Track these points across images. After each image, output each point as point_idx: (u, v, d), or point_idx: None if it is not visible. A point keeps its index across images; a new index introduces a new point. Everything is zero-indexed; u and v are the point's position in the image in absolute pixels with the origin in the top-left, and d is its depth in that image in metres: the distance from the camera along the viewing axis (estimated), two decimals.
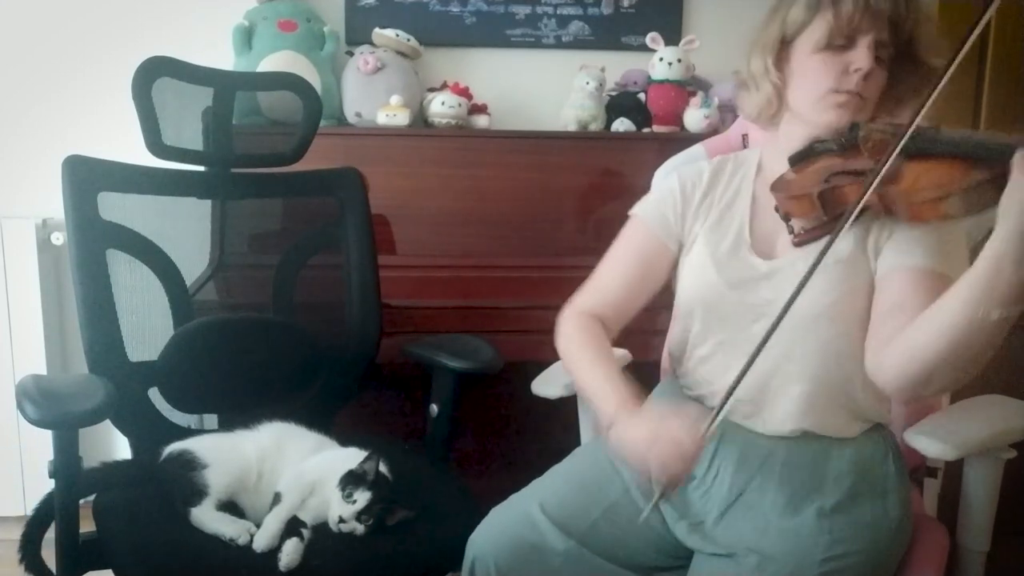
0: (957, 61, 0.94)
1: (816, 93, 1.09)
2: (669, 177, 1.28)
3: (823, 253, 0.99)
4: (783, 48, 1.13)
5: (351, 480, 1.24)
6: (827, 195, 1.04)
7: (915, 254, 1.04)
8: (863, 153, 1.04)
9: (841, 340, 1.07)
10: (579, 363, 1.19)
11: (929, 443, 1.16)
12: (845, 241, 1.07)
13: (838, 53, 1.07)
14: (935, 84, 0.96)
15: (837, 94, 1.07)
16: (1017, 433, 1.20)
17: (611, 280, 1.25)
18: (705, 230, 1.19)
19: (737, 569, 1.06)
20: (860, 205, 0.99)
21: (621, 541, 1.15)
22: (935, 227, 1.04)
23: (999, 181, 0.86)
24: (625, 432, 1.05)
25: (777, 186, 1.12)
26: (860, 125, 1.07)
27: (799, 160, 1.11)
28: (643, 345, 1.56)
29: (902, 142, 0.96)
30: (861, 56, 1.05)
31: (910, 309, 0.99)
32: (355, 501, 1.22)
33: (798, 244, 1.10)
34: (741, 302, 1.12)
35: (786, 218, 1.10)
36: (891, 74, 1.10)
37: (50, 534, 1.23)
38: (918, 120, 0.97)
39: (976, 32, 0.93)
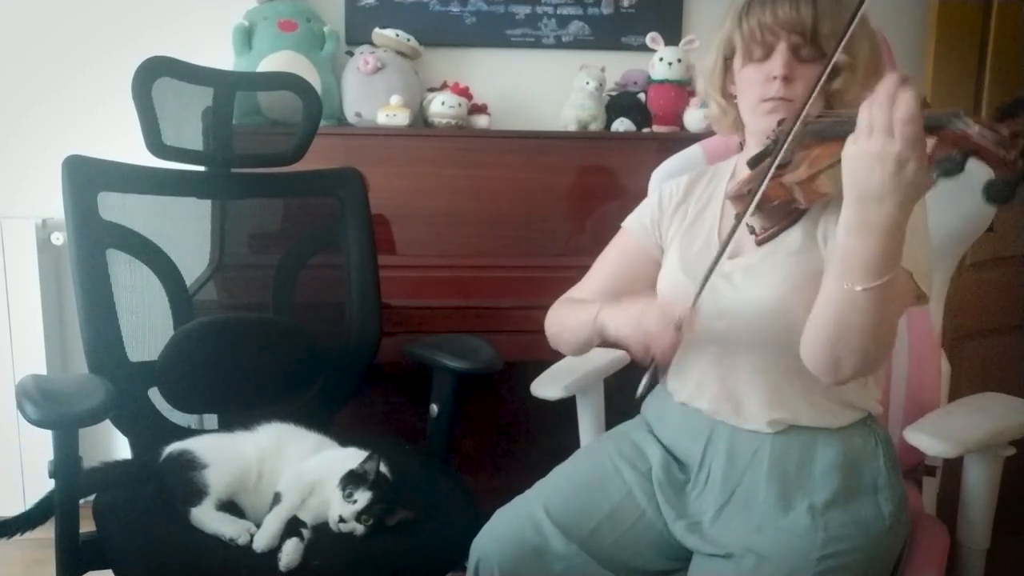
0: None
1: (751, 103, 1.16)
2: (653, 192, 1.34)
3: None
4: (727, 66, 1.20)
5: (352, 480, 1.24)
6: (757, 192, 1.07)
7: None
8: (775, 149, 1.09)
9: (795, 330, 1.07)
10: (563, 319, 1.25)
11: (929, 441, 1.16)
12: (795, 233, 1.11)
13: (760, 63, 1.13)
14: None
15: (765, 102, 1.13)
16: (1016, 431, 1.21)
17: (598, 281, 1.30)
18: (679, 235, 1.24)
19: (735, 570, 1.06)
20: (759, 190, 1.04)
21: (623, 544, 1.16)
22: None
23: None
24: (613, 318, 1.11)
25: (729, 193, 1.18)
26: (783, 120, 1.11)
27: (754, 164, 1.15)
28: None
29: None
30: (775, 64, 1.10)
31: None
32: (355, 501, 1.22)
33: (760, 243, 1.13)
34: (708, 300, 1.14)
35: (738, 218, 1.12)
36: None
37: (50, 534, 1.23)
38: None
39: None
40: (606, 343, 1.14)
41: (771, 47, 1.11)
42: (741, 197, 1.10)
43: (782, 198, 1.06)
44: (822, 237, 1.10)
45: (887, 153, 0.83)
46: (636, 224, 1.30)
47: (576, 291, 1.31)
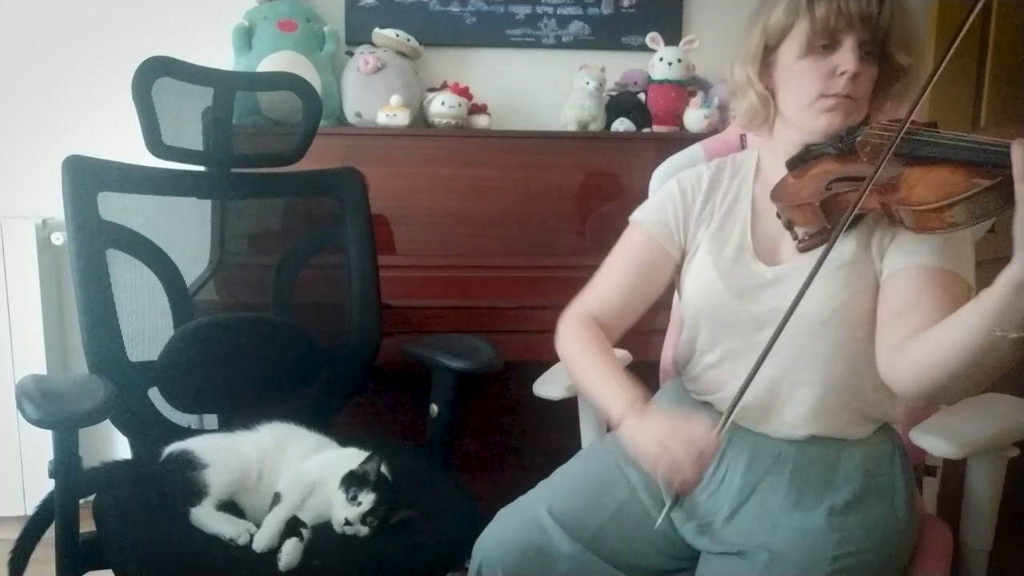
0: (945, 61, 0.94)
1: (805, 99, 1.08)
2: (668, 183, 1.26)
3: (820, 262, 0.99)
4: (768, 55, 1.12)
5: (354, 482, 1.24)
6: (829, 203, 1.03)
7: (921, 253, 1.03)
8: (861, 158, 1.04)
9: (849, 343, 1.06)
10: (582, 365, 1.18)
11: (935, 442, 1.16)
12: (848, 244, 1.07)
13: (822, 56, 1.06)
14: (924, 85, 0.96)
15: (825, 99, 1.07)
16: (1020, 431, 1.20)
17: (611, 286, 1.23)
18: (707, 237, 1.19)
19: (747, 567, 1.06)
20: (854, 211, 0.98)
21: (628, 544, 1.15)
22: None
23: (1002, 187, 0.85)
24: (637, 434, 1.03)
25: (777, 194, 1.11)
26: (858, 129, 1.05)
27: (796, 165, 1.10)
28: (643, 345, 1.55)
29: (893, 145, 0.95)
30: (846, 58, 1.04)
31: (922, 308, 0.99)
32: (360, 503, 1.22)
33: (803, 250, 1.09)
34: (747, 310, 1.11)
35: (788, 225, 1.09)
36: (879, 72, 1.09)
37: (50, 534, 1.23)
38: (907, 124, 0.96)
39: (963, 31, 0.94)
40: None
41: (838, 40, 1.05)
42: (804, 206, 1.04)
43: (866, 210, 1.00)
44: (877, 250, 1.07)
45: None
46: (656, 222, 1.22)
47: (589, 297, 1.24)
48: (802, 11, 1.06)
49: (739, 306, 1.12)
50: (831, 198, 1.02)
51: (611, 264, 1.24)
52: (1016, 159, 0.81)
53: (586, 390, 1.18)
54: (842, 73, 1.05)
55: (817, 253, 1.05)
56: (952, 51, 0.94)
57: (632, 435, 1.04)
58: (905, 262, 1.04)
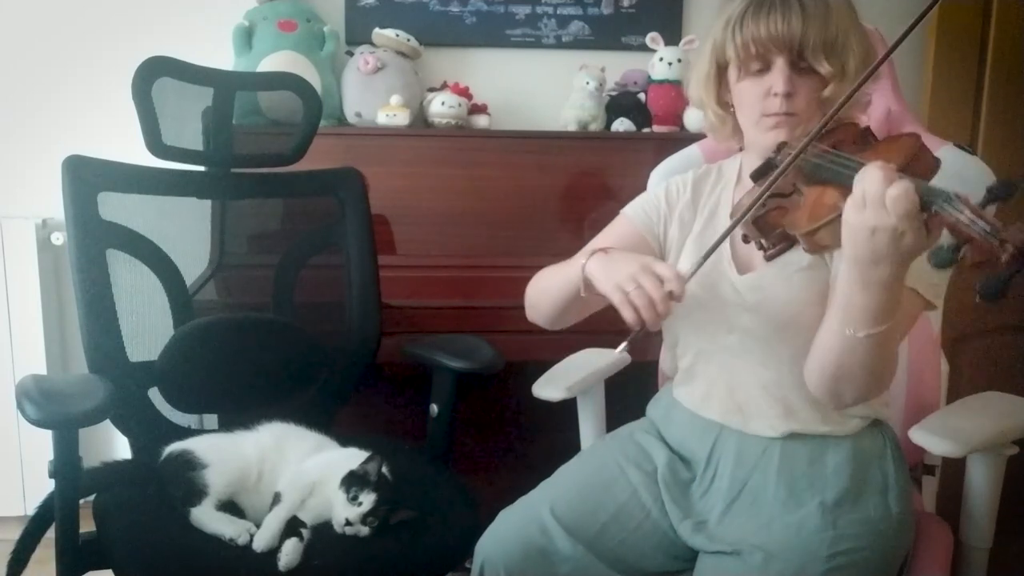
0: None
1: (752, 118, 1.12)
2: (658, 186, 1.30)
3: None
4: (721, 74, 1.15)
5: (354, 482, 1.24)
6: (760, 221, 1.04)
7: None
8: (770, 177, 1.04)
9: (810, 344, 1.07)
10: (546, 278, 1.20)
11: (935, 440, 1.16)
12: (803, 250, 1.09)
13: (758, 77, 1.09)
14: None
15: (767, 117, 1.10)
16: (1020, 430, 1.21)
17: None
18: (690, 240, 1.21)
19: (743, 567, 1.06)
20: (729, 231, 1.01)
21: (628, 544, 1.16)
22: None
23: None
24: (606, 267, 1.04)
25: (734, 208, 1.13)
26: (784, 145, 1.06)
27: (757, 177, 1.11)
28: (642, 345, 1.55)
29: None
30: (777, 79, 1.07)
31: None
32: (361, 503, 1.22)
33: (769, 259, 1.09)
34: (719, 312, 1.15)
35: (744, 239, 1.10)
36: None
37: (50, 534, 1.23)
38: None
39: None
40: (590, 293, 1.08)
41: (768, 61, 1.08)
42: (745, 223, 1.05)
43: (784, 228, 1.02)
44: (829, 255, 1.09)
45: (882, 227, 0.82)
46: (639, 213, 1.26)
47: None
48: (728, 39, 1.11)
49: (712, 309, 1.15)
50: (764, 215, 1.03)
51: (592, 243, 1.26)
52: (855, 188, 0.84)
53: (556, 291, 1.17)
54: (775, 94, 1.07)
55: (781, 260, 1.06)
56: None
57: (600, 269, 1.04)
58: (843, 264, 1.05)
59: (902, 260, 0.85)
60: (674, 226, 1.24)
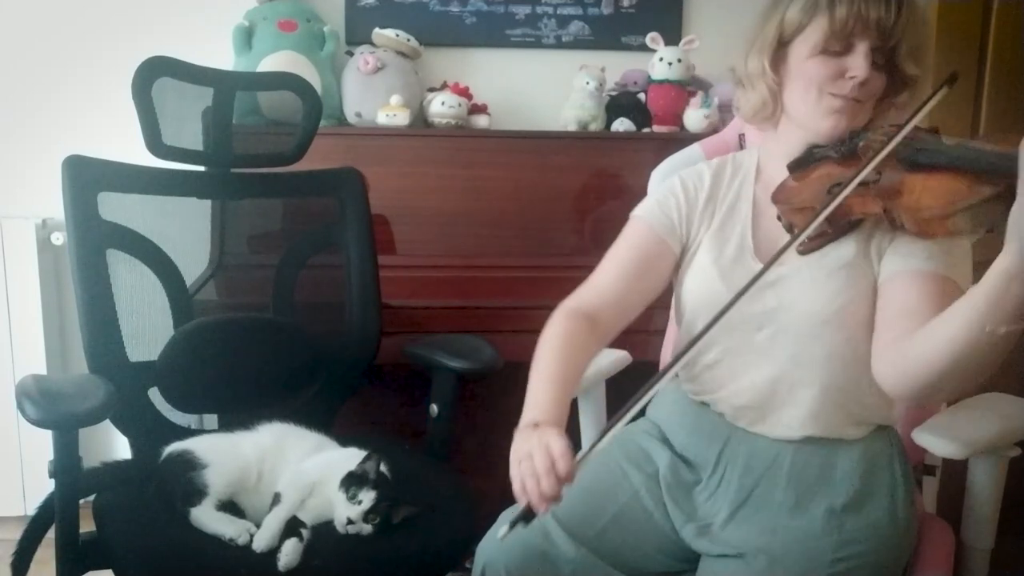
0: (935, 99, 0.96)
1: (812, 97, 1.08)
2: (669, 180, 1.25)
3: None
4: (780, 49, 1.11)
5: (354, 481, 1.24)
6: (825, 209, 1.02)
7: (919, 257, 1.02)
8: (863, 162, 1.03)
9: (847, 345, 1.06)
10: (539, 356, 1.14)
11: (938, 442, 1.16)
12: (848, 246, 1.07)
13: (834, 57, 1.05)
14: (932, 93, 0.97)
15: (833, 98, 1.06)
16: (1021, 431, 1.21)
17: (610, 279, 1.20)
18: (708, 236, 1.18)
19: (747, 570, 1.06)
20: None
21: (630, 546, 1.15)
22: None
23: (1005, 196, 0.84)
24: (516, 442, 1.00)
25: (779, 196, 1.11)
26: (861, 134, 1.05)
27: (798, 167, 1.10)
28: (643, 345, 1.56)
29: (887, 149, 0.96)
30: (858, 64, 1.03)
31: (916, 313, 0.98)
32: (360, 502, 1.22)
33: (803, 252, 1.08)
34: (746, 309, 1.09)
35: (789, 228, 1.08)
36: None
37: (50, 534, 1.23)
38: (906, 130, 0.96)
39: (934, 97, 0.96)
40: None
41: (851, 44, 1.04)
42: (805, 209, 1.04)
43: (859, 215, 1.01)
44: (876, 252, 1.07)
45: None
46: (658, 215, 1.20)
47: (587, 290, 1.21)
48: (821, 10, 1.05)
49: (740, 305, 1.10)
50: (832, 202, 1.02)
51: (611, 257, 1.22)
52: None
53: (528, 383, 1.13)
54: (852, 77, 1.04)
55: (816, 255, 1.06)
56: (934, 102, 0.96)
57: (515, 443, 1.00)
58: (902, 266, 1.04)
59: None
60: (698, 223, 1.19)
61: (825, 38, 1.05)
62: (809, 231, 1.03)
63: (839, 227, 1.05)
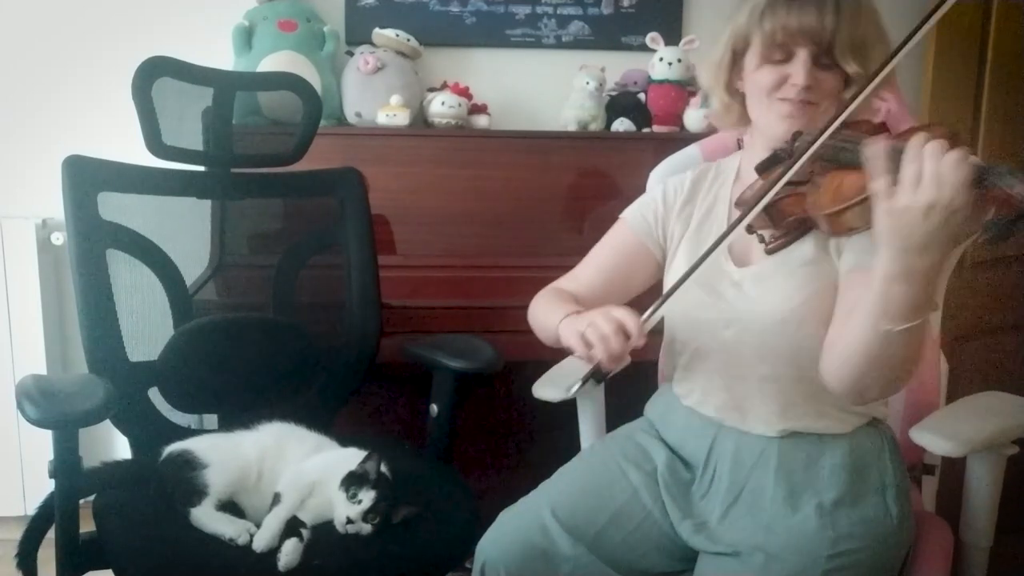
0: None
1: (764, 105, 1.12)
2: (656, 187, 1.31)
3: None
4: (737, 60, 1.16)
5: (354, 481, 1.24)
6: (771, 209, 1.05)
7: (868, 253, 1.02)
8: (788, 163, 1.05)
9: (811, 340, 1.07)
10: (541, 309, 1.22)
11: (935, 440, 1.16)
12: (808, 243, 1.09)
13: (777, 65, 1.09)
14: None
15: (783, 103, 1.10)
16: (1020, 429, 1.21)
17: (589, 268, 1.29)
18: (686, 239, 1.22)
19: (743, 568, 1.06)
20: (757, 209, 1.01)
21: (629, 544, 1.16)
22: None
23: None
24: (571, 323, 1.07)
25: (740, 200, 1.15)
26: (800, 135, 1.07)
27: (763, 169, 1.12)
28: (642, 345, 1.55)
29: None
30: (796, 70, 1.07)
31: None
32: (360, 501, 1.22)
33: (770, 252, 1.11)
34: (715, 307, 1.14)
35: (749, 230, 1.11)
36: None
37: (50, 534, 1.23)
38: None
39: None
40: (565, 344, 1.10)
41: (791, 52, 1.08)
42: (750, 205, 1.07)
43: (799, 215, 1.03)
44: (835, 248, 1.09)
45: (936, 205, 0.81)
46: (637, 218, 1.27)
47: (566, 280, 1.30)
48: (754, 25, 1.10)
49: (709, 305, 1.15)
50: (776, 203, 1.04)
51: (593, 254, 1.30)
52: (869, 158, 0.85)
53: (543, 331, 1.19)
54: (793, 85, 1.08)
55: (783, 254, 1.09)
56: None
57: (567, 327, 1.08)
58: (854, 262, 1.05)
59: (950, 243, 0.84)
60: (673, 226, 1.24)
61: (763, 50, 1.10)
62: (738, 229, 1.06)
63: (787, 226, 1.07)
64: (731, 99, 1.18)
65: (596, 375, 1.02)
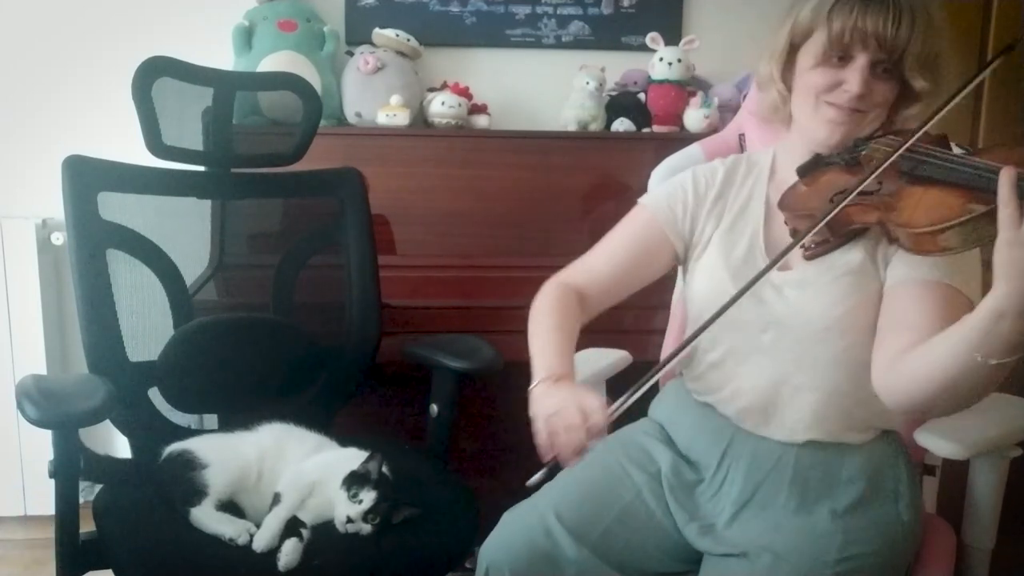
0: (957, 98, 0.97)
1: (810, 106, 1.09)
2: (682, 174, 1.25)
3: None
4: (791, 55, 1.12)
5: (355, 481, 1.24)
6: (831, 217, 1.02)
7: (923, 266, 1.01)
8: (864, 172, 1.02)
9: (852, 351, 1.06)
10: (535, 325, 1.17)
11: (940, 442, 1.16)
12: (855, 252, 1.07)
13: (833, 69, 1.06)
14: (938, 108, 0.97)
15: (830, 108, 1.06)
16: (1023, 432, 1.21)
17: (603, 258, 1.22)
18: (718, 235, 1.17)
19: (750, 568, 1.06)
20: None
21: (632, 547, 1.15)
22: None
23: (996, 213, 0.82)
24: (542, 396, 1.03)
25: (785, 202, 1.11)
26: (865, 142, 1.05)
27: (806, 172, 1.10)
28: (643, 345, 1.56)
29: (887, 162, 0.96)
30: (853, 76, 1.04)
31: (916, 328, 0.97)
32: (361, 501, 1.22)
33: (809, 258, 1.08)
34: (752, 310, 1.10)
35: (793, 233, 1.08)
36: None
37: (50, 534, 1.23)
38: (910, 143, 0.96)
39: (975, 82, 0.98)
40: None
41: (851, 55, 1.04)
42: (808, 217, 1.04)
43: (862, 224, 1.00)
44: (882, 259, 1.06)
45: None
46: (663, 207, 1.21)
47: (578, 268, 1.23)
48: (820, 21, 1.05)
49: (746, 305, 1.10)
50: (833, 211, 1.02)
51: (608, 240, 1.24)
52: (1003, 185, 0.80)
53: (530, 349, 1.15)
54: (846, 91, 1.04)
55: (823, 260, 1.06)
56: (985, 70, 1.00)
57: (537, 397, 1.04)
58: (906, 274, 1.03)
59: None
60: (704, 221, 1.19)
61: (824, 50, 1.06)
62: (807, 239, 1.03)
63: (841, 235, 1.05)
64: (788, 93, 1.13)
65: (552, 472, 0.99)
